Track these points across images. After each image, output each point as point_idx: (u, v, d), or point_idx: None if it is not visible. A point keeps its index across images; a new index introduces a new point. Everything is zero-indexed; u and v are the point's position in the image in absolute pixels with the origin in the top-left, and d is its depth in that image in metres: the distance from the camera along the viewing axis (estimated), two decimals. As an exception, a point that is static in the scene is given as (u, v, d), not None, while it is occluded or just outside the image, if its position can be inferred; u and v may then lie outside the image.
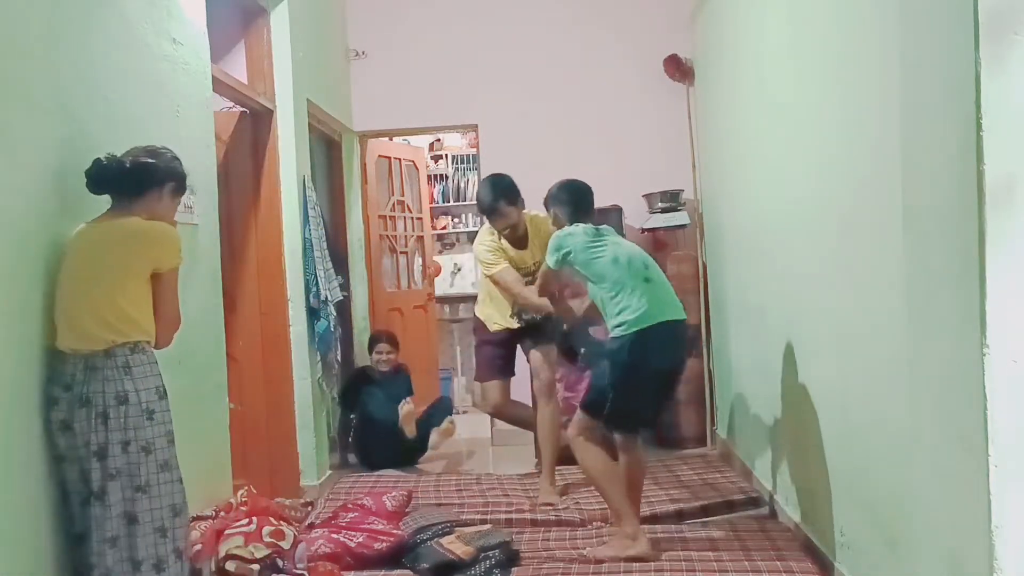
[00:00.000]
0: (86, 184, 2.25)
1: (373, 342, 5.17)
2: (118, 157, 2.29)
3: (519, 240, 3.94)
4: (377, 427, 4.80)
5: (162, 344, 2.34)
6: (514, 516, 3.66)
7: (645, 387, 3.11)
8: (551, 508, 3.73)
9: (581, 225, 3.26)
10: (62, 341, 2.16)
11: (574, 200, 3.39)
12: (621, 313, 3.08)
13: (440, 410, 5.14)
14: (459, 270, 7.43)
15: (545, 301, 3.67)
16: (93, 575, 2.14)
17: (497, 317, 4.07)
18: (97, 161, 2.25)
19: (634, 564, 2.99)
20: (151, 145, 2.43)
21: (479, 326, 4.19)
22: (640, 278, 3.12)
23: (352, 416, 4.95)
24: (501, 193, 3.82)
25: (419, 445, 4.94)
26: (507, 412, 4.29)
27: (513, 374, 4.21)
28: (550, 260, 3.26)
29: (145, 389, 2.20)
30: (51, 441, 2.16)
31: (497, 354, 4.14)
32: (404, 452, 4.86)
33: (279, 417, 4.14)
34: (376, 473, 4.61)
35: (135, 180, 2.29)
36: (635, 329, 3.03)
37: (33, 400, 2.13)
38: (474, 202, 6.95)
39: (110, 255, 2.21)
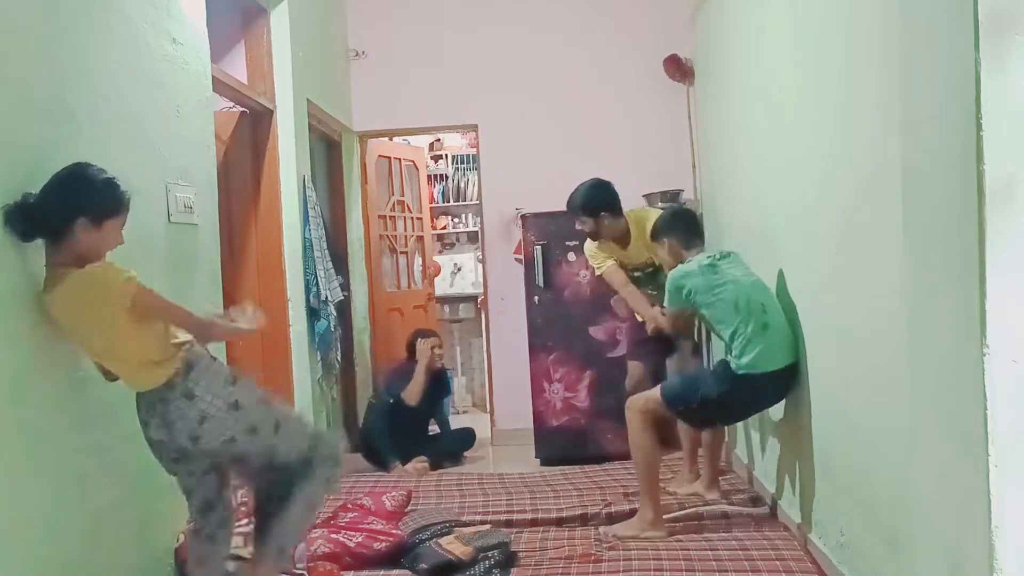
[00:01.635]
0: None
1: (422, 338, 5.01)
2: (23, 199, 2.06)
3: (621, 239, 4.02)
4: (417, 426, 4.81)
5: (207, 340, 2.41)
6: (514, 516, 3.66)
7: (734, 413, 3.33)
8: (699, 498, 3.71)
9: (697, 259, 3.25)
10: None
11: (687, 227, 3.45)
12: (733, 350, 3.11)
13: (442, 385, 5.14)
14: (459, 270, 7.43)
15: (646, 305, 3.86)
16: (278, 460, 2.39)
17: None
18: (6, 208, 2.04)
19: (633, 564, 2.99)
20: (76, 165, 2.18)
21: (629, 308, 4.27)
22: (759, 324, 3.07)
23: (373, 403, 4.95)
24: (594, 200, 3.91)
25: (457, 446, 4.97)
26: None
27: (659, 362, 4.22)
28: (670, 302, 3.30)
29: (214, 395, 2.25)
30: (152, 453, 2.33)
31: (642, 337, 4.19)
32: (442, 451, 4.87)
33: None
34: (376, 473, 4.62)
35: (45, 222, 2.09)
36: (744, 372, 3.08)
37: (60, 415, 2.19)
38: (475, 202, 6.99)
39: (82, 320, 2.17)
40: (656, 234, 3.49)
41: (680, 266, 3.31)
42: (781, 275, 3.21)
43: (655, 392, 3.34)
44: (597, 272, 4.10)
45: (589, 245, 4.09)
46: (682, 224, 3.46)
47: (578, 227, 4.03)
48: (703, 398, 3.18)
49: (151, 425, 2.26)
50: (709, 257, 3.26)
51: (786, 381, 3.14)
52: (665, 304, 3.41)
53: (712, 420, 3.42)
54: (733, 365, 3.11)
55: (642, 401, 3.34)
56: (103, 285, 2.13)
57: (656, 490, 3.33)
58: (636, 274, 4.01)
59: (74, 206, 2.10)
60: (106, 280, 2.14)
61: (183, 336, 2.28)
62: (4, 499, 1.99)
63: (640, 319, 4.04)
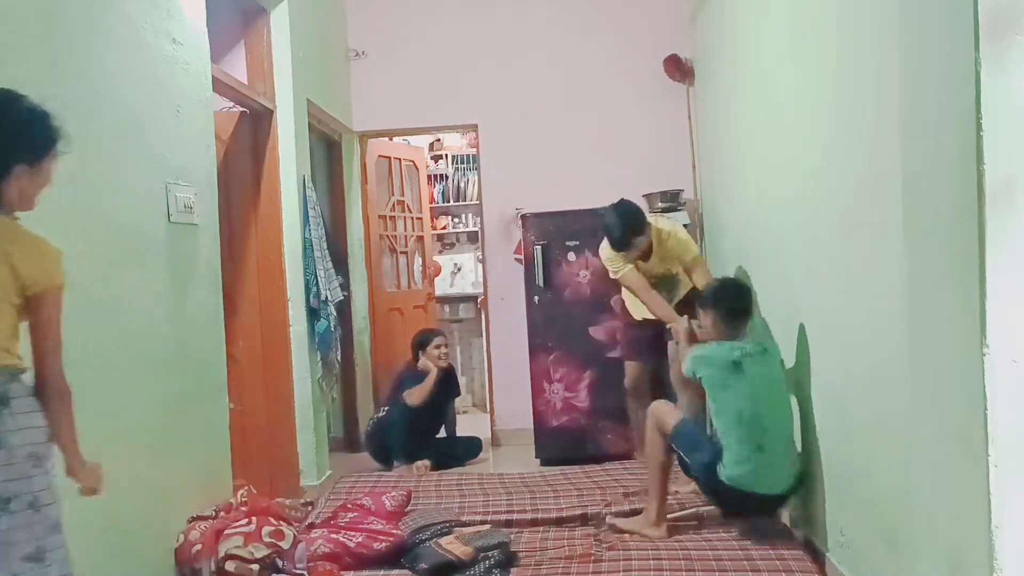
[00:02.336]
0: None
1: (429, 337, 5.04)
2: None
3: (644, 254, 4.01)
4: (427, 426, 4.82)
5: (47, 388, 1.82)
6: (514, 516, 3.67)
7: (721, 503, 3.31)
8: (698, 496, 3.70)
9: (726, 348, 3.11)
10: None
11: (732, 302, 3.26)
12: (725, 456, 3.08)
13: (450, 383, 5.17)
14: (459, 270, 7.43)
15: (668, 309, 3.91)
16: None
17: (636, 309, 4.24)
18: None
19: (634, 564, 2.99)
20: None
21: (623, 310, 4.40)
22: (755, 444, 3.00)
23: (385, 409, 4.96)
24: (631, 229, 3.85)
25: (463, 453, 4.99)
26: (637, 395, 4.35)
27: (656, 361, 4.33)
28: (685, 369, 3.31)
29: (25, 425, 1.75)
30: None
31: (636, 337, 4.34)
32: (447, 456, 4.88)
33: (279, 417, 4.14)
34: (376, 473, 4.62)
35: None
36: (729, 483, 3.07)
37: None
38: (475, 202, 6.99)
39: None
40: (703, 303, 3.37)
41: (703, 351, 3.21)
42: (802, 330, 3.03)
43: (671, 420, 3.29)
44: (613, 277, 4.07)
45: (604, 252, 4.06)
46: (727, 300, 3.28)
47: (634, 256, 3.92)
48: (701, 465, 3.16)
49: None
50: (740, 350, 3.08)
51: (775, 503, 3.14)
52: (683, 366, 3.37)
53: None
54: (720, 470, 3.08)
55: (660, 416, 3.32)
56: (39, 262, 1.79)
57: (664, 491, 3.33)
58: (652, 279, 4.04)
59: (9, 149, 1.76)
60: (47, 260, 1.81)
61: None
62: None
63: (656, 320, 4.02)
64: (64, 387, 1.83)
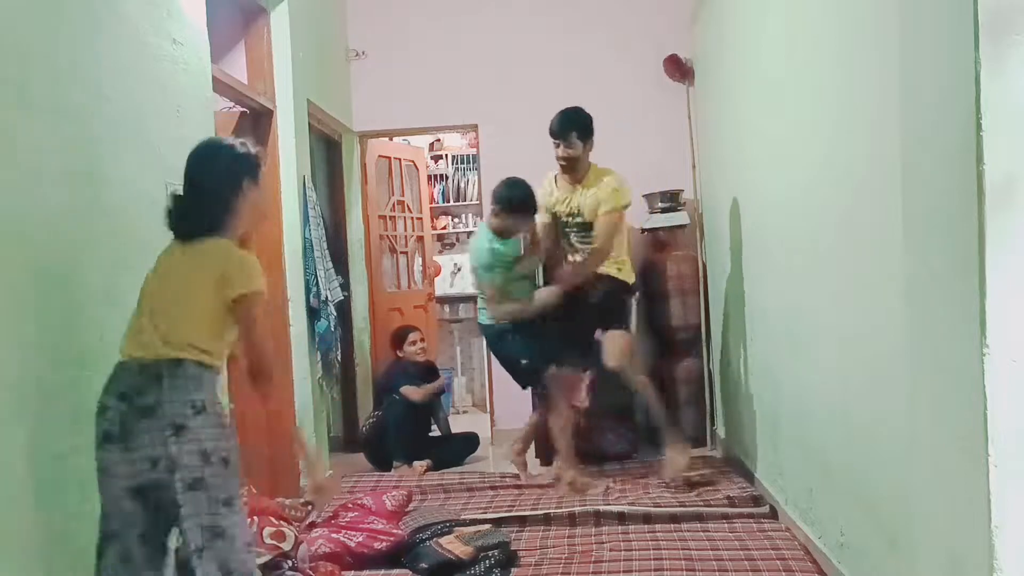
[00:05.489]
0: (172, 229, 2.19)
1: (404, 334, 5.12)
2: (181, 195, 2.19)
3: (582, 178, 3.98)
4: (416, 425, 4.84)
5: (261, 380, 2.20)
6: (514, 516, 3.67)
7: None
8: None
9: None
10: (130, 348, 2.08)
11: None
12: None
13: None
14: (459, 270, 7.44)
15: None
16: None
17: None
18: (174, 201, 2.20)
19: (634, 564, 2.99)
20: (209, 147, 2.28)
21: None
22: None
23: (377, 413, 4.96)
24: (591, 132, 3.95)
25: (461, 450, 5.01)
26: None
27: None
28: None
29: (218, 401, 2.11)
30: (98, 455, 2.04)
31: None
32: (445, 454, 4.89)
33: (279, 417, 4.14)
34: (377, 473, 4.62)
35: (212, 208, 2.18)
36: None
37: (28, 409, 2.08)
38: (475, 202, 6.99)
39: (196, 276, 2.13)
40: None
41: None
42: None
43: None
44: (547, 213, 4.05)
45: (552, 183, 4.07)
46: None
47: (564, 152, 3.91)
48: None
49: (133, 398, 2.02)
50: None
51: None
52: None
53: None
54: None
55: (626, 357, 3.78)
56: (238, 266, 2.11)
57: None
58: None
59: (241, 171, 2.21)
60: (248, 269, 2.12)
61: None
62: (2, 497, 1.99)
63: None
64: (265, 375, 2.18)
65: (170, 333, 2.06)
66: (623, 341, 3.93)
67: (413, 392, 4.83)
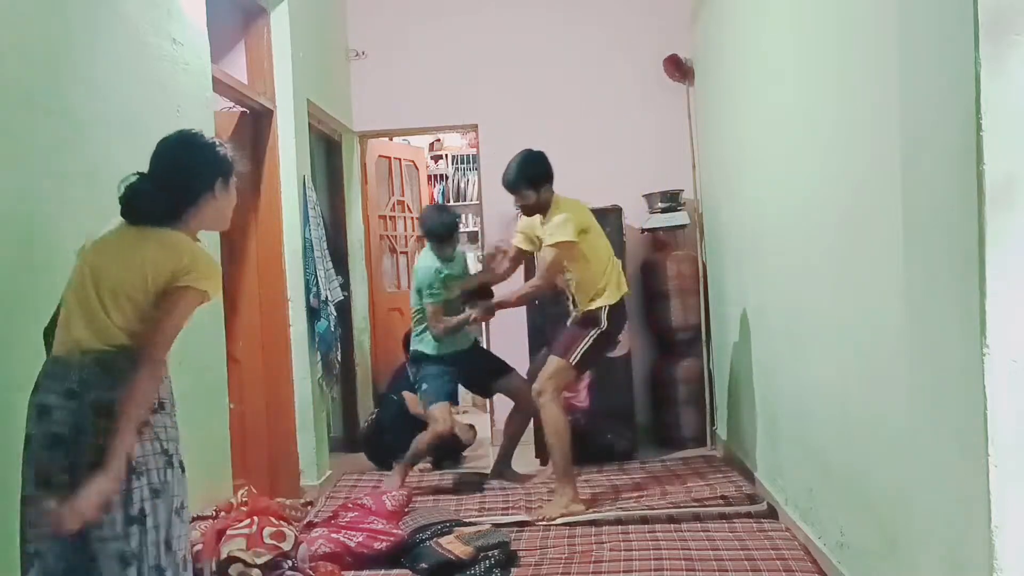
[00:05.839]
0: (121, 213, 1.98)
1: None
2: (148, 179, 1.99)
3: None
4: (414, 425, 4.84)
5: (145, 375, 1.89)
6: (514, 516, 3.67)
7: None
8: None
9: None
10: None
11: None
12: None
13: None
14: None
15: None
16: None
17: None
18: (130, 187, 1.98)
19: (634, 564, 2.99)
20: (186, 139, 2.07)
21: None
22: None
23: (376, 411, 4.95)
24: (544, 179, 3.88)
25: (458, 444, 4.96)
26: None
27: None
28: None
29: (170, 397, 1.97)
30: (34, 461, 1.84)
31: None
32: (441, 451, 4.86)
33: (279, 417, 4.14)
34: (378, 473, 4.62)
35: (171, 199, 1.99)
36: None
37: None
38: (475, 202, 6.99)
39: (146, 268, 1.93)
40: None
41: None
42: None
43: (552, 365, 3.78)
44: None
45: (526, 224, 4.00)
46: None
47: (519, 203, 3.89)
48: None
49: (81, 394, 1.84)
50: None
51: None
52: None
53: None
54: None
55: (550, 382, 3.77)
56: (193, 260, 1.92)
57: (571, 468, 3.80)
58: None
59: (213, 170, 2.03)
60: (201, 267, 1.94)
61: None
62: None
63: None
64: (152, 359, 1.91)
65: (130, 322, 1.89)
66: (553, 368, 3.87)
67: (413, 402, 4.82)
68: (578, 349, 3.82)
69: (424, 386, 4.27)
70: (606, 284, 3.84)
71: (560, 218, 3.74)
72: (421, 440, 4.19)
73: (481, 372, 4.41)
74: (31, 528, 1.83)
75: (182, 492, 1.93)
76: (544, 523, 3.57)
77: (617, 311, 3.85)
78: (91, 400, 1.83)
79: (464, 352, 4.33)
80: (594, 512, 3.65)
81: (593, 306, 3.81)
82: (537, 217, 3.91)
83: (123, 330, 1.88)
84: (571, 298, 3.92)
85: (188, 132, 2.09)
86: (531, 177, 3.81)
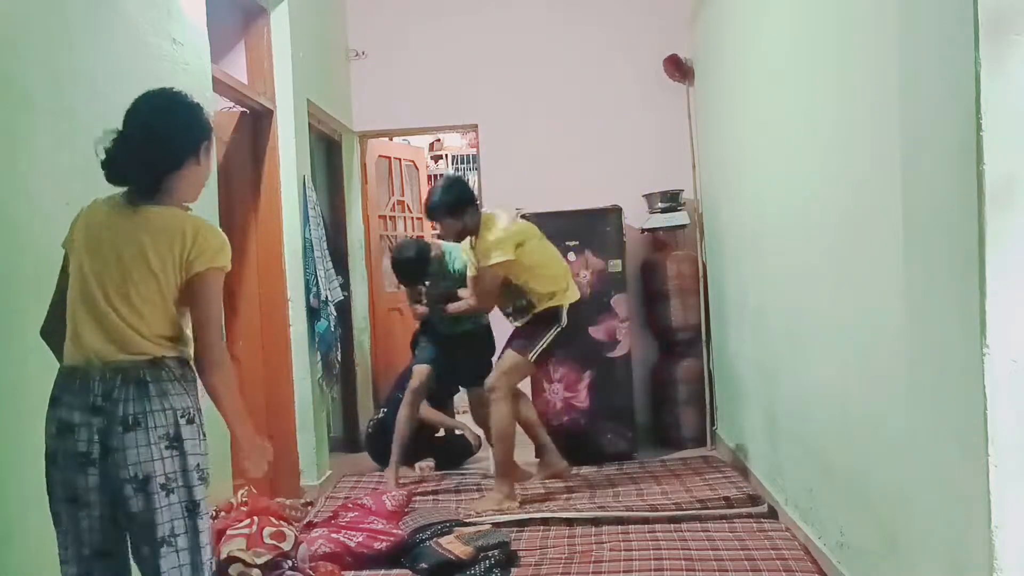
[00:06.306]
0: (105, 177, 1.86)
1: None
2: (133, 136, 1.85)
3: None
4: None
5: (210, 368, 1.86)
6: (513, 516, 3.67)
7: None
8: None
9: None
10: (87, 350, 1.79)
11: None
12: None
13: None
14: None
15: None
16: None
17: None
18: (111, 147, 1.85)
19: (634, 564, 2.99)
20: (165, 98, 1.95)
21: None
22: None
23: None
24: (466, 204, 3.89)
25: (461, 450, 4.97)
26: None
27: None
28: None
29: (200, 409, 1.87)
30: (60, 479, 1.78)
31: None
32: (444, 455, 4.88)
33: (279, 417, 4.14)
34: (379, 473, 4.62)
35: (160, 160, 1.87)
36: None
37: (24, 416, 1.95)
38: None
39: (150, 254, 1.83)
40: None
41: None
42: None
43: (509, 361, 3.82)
44: (485, 265, 3.82)
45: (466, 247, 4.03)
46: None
47: (442, 232, 3.96)
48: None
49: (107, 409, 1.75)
50: None
51: None
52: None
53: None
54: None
55: (505, 378, 3.83)
56: (204, 237, 1.83)
57: (512, 467, 3.91)
58: None
59: (200, 131, 1.93)
60: (213, 237, 1.86)
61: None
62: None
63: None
64: (221, 359, 1.86)
65: (153, 327, 1.80)
66: (509, 363, 3.91)
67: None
68: (538, 346, 3.88)
69: (415, 352, 4.59)
70: (567, 284, 3.94)
71: (493, 239, 3.75)
72: (400, 415, 4.32)
73: (463, 363, 4.43)
74: (60, 539, 1.80)
75: (206, 509, 1.87)
76: (475, 516, 3.62)
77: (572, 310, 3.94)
78: (120, 416, 1.74)
79: (456, 337, 4.36)
80: (523, 512, 3.68)
81: (553, 303, 3.86)
82: (466, 245, 3.99)
83: (149, 339, 1.79)
84: (526, 302, 3.92)
85: (172, 91, 1.96)
86: (452, 205, 3.83)
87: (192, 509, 1.79)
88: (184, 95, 1.95)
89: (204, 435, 1.86)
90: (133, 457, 1.73)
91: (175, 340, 1.84)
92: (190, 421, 1.81)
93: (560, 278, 3.92)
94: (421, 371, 4.39)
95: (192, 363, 1.87)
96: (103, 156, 1.84)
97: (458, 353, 4.38)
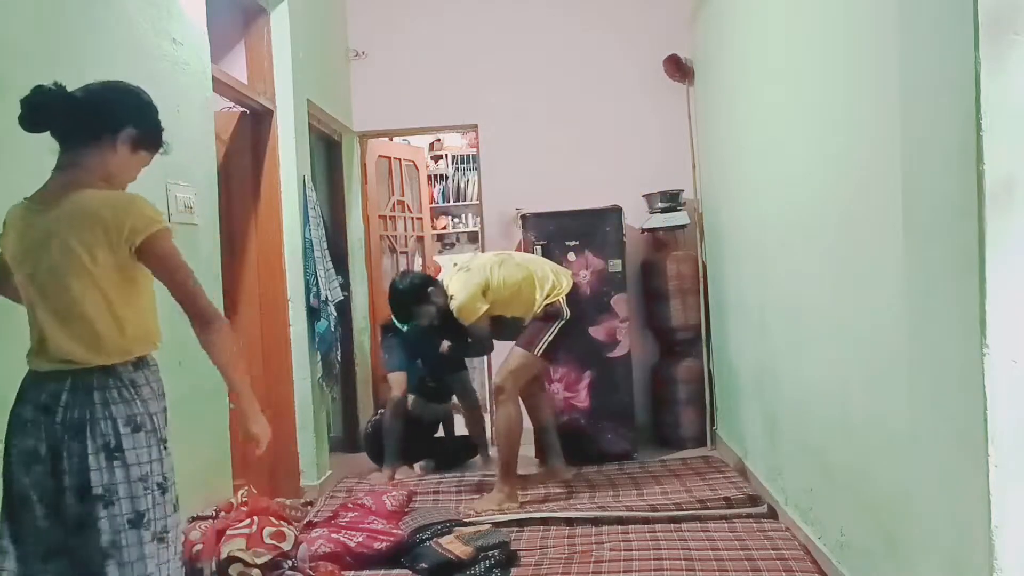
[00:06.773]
0: (19, 118, 1.76)
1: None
2: (66, 89, 1.80)
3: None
4: (420, 425, 4.84)
5: (209, 335, 1.83)
6: (514, 516, 3.67)
7: None
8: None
9: None
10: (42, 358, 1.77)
11: None
12: None
13: None
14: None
15: None
16: None
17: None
18: (38, 89, 1.76)
19: (634, 564, 2.99)
20: (121, 81, 1.95)
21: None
22: None
23: (382, 411, 4.96)
24: (425, 296, 3.97)
25: (462, 452, 4.97)
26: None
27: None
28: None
29: (157, 412, 1.81)
30: (9, 476, 1.75)
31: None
32: (444, 456, 4.88)
33: (279, 417, 4.14)
34: (379, 473, 4.61)
35: (82, 118, 1.80)
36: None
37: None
38: (475, 202, 7.00)
39: (73, 246, 1.73)
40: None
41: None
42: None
43: (517, 359, 3.85)
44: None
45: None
46: None
47: (425, 322, 4.03)
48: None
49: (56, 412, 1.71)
50: None
51: None
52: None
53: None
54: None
55: (512, 376, 3.85)
56: (124, 209, 1.75)
57: (515, 469, 3.89)
58: None
59: (128, 113, 1.86)
60: (131, 205, 1.76)
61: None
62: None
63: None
64: (213, 315, 1.84)
65: (83, 330, 1.74)
66: (517, 362, 3.93)
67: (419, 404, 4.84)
68: (542, 341, 3.91)
69: (385, 356, 4.73)
70: (553, 283, 3.96)
71: (459, 303, 3.86)
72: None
73: (439, 360, 4.55)
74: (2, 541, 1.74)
75: (164, 519, 1.79)
76: (475, 515, 3.63)
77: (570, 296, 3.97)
78: (62, 422, 1.71)
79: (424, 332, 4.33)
80: (523, 512, 3.68)
81: (548, 302, 3.92)
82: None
83: (94, 348, 1.74)
84: (524, 321, 3.99)
85: (132, 84, 1.94)
86: (415, 296, 3.96)
87: (136, 521, 1.72)
88: (139, 89, 1.94)
89: (163, 442, 1.80)
90: (74, 466, 1.69)
91: (127, 338, 1.78)
92: (136, 429, 1.74)
93: (541, 286, 3.93)
94: (398, 379, 4.55)
95: (151, 359, 1.86)
96: (26, 100, 1.76)
97: (430, 345, 4.47)
